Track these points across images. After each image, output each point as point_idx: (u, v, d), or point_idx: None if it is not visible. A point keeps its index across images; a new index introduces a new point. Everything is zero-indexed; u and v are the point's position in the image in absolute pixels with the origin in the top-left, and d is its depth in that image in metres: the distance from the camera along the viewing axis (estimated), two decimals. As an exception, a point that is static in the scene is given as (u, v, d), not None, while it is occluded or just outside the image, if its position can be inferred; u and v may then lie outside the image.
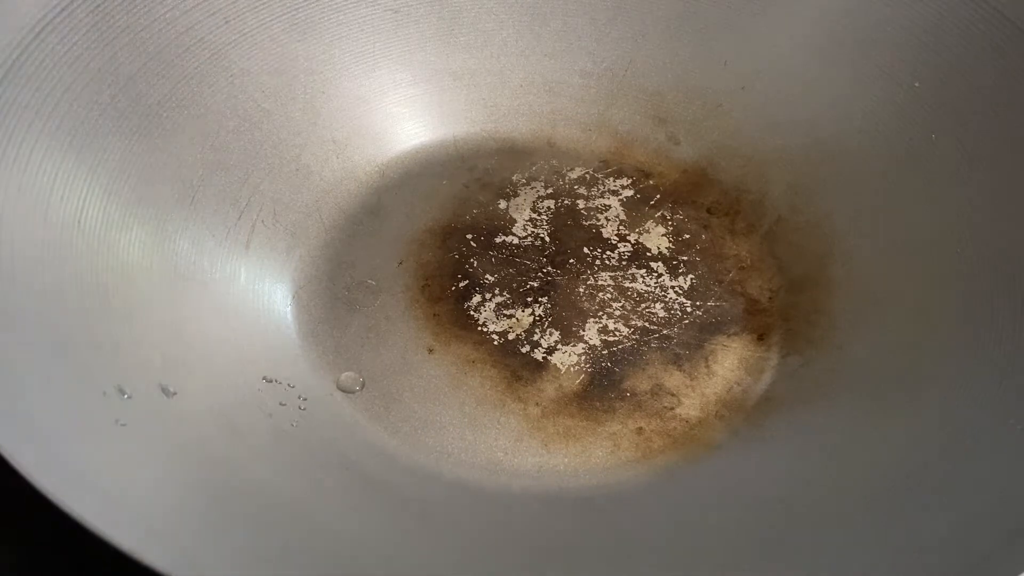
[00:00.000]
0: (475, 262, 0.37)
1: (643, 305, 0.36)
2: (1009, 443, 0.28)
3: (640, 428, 0.33)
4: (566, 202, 0.39)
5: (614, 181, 0.40)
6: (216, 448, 0.29)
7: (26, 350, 0.26)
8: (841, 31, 0.38)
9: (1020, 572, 0.23)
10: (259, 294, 0.35)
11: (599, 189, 0.40)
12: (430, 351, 0.35)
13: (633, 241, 0.38)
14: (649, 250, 0.38)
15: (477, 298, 0.36)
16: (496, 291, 0.36)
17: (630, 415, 0.33)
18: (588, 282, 0.37)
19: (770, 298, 0.37)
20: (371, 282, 0.37)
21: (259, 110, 0.37)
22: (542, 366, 0.34)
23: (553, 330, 0.35)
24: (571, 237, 0.38)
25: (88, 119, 0.32)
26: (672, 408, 0.34)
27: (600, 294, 0.37)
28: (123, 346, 0.29)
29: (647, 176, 0.40)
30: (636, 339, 0.35)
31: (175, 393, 0.29)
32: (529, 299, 0.36)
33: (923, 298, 0.33)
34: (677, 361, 0.35)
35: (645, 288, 0.37)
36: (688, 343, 0.35)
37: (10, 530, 0.29)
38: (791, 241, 0.38)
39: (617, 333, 0.35)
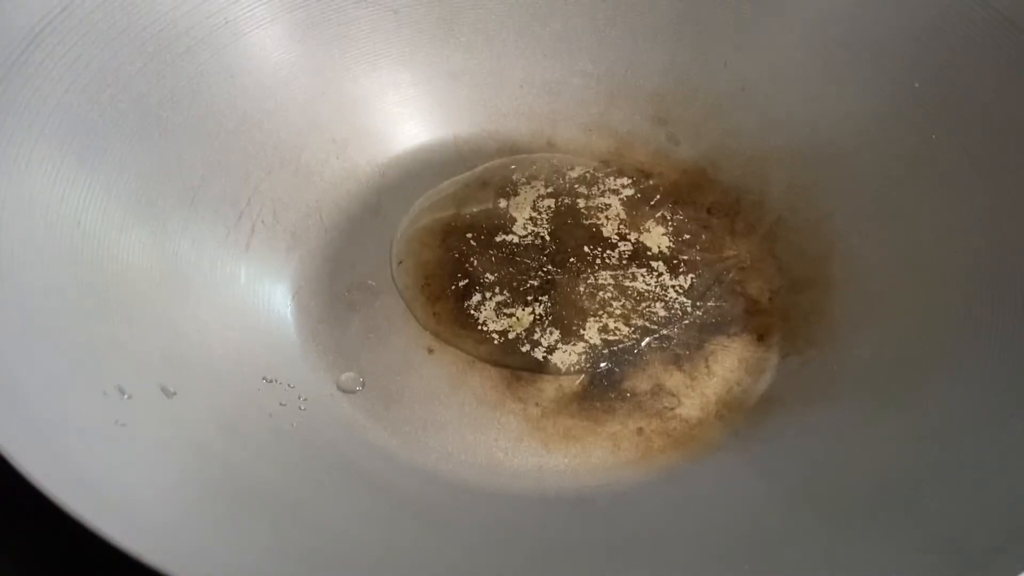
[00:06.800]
0: (475, 261, 0.37)
1: (643, 304, 0.36)
2: (1009, 443, 0.28)
3: (640, 428, 0.33)
4: (566, 201, 0.39)
5: (614, 180, 0.40)
6: (216, 448, 0.29)
7: (26, 350, 0.26)
8: (841, 31, 0.38)
9: (1020, 572, 0.23)
10: (259, 294, 0.35)
11: (599, 188, 0.40)
12: (430, 351, 0.35)
13: (633, 240, 0.38)
14: (649, 249, 0.38)
15: (477, 297, 0.36)
16: (496, 290, 0.36)
17: (630, 415, 0.33)
18: (588, 281, 0.37)
19: (770, 298, 0.37)
20: (371, 282, 0.37)
21: (259, 110, 0.37)
22: (542, 366, 0.34)
23: (553, 329, 0.35)
24: (571, 236, 0.38)
25: (88, 119, 0.32)
26: (672, 408, 0.34)
27: (600, 293, 0.37)
28: (123, 346, 0.29)
29: (647, 176, 0.40)
30: (636, 339, 0.35)
31: (175, 393, 0.29)
32: (529, 298, 0.36)
33: (923, 298, 0.33)
34: (677, 361, 0.35)
35: (645, 287, 0.37)
36: (688, 343, 0.35)
37: (10, 531, 0.29)
38: (791, 241, 0.38)
39: (617, 332, 0.35)
